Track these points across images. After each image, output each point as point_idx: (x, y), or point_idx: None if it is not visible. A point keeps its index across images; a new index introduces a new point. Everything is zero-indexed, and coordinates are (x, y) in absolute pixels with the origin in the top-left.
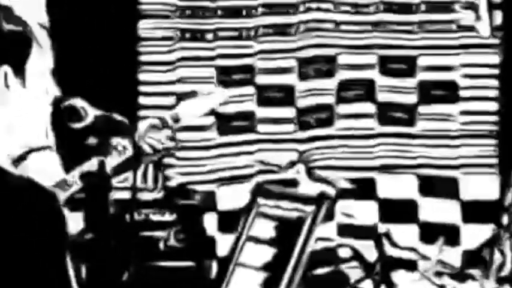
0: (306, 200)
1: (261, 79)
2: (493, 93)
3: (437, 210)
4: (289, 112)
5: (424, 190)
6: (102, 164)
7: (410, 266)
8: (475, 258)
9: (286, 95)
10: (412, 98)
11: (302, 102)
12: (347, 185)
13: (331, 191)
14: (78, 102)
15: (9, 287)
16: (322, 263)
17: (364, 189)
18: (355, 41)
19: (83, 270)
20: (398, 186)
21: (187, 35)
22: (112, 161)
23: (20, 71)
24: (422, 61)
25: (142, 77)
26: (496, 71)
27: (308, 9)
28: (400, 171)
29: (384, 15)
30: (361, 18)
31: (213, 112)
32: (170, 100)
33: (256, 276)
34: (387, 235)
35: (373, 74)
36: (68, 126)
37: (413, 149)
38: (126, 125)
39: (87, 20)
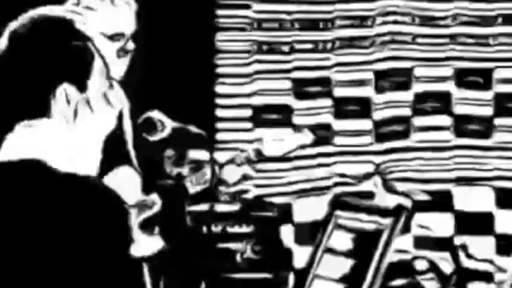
0: (383, 212)
1: (338, 91)
2: None
3: None
4: (365, 124)
5: (500, 202)
6: (179, 177)
7: (486, 278)
8: None
9: (362, 108)
10: (488, 110)
11: (379, 115)
12: (423, 197)
13: (407, 203)
14: (156, 115)
15: None
16: (399, 275)
17: (440, 202)
18: (431, 53)
19: (161, 283)
20: (474, 199)
21: (264, 48)
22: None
23: (82, 86)
24: (498, 73)
25: (219, 89)
26: None
27: (384, 22)
28: (476, 184)
29: (460, 28)
30: (438, 31)
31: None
32: (247, 112)
33: None
34: (463, 247)
35: (449, 87)
36: (145, 138)
37: (490, 161)
38: (203, 138)
39: (164, 32)
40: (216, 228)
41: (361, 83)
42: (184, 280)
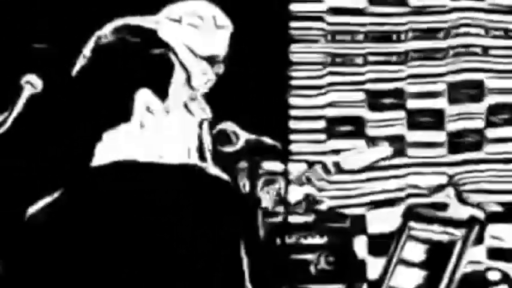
0: (456, 223)
1: (411, 103)
2: None
3: None
4: (439, 136)
5: None
6: (253, 187)
7: None
8: None
9: (436, 119)
10: None
11: (452, 126)
12: (496, 209)
13: (480, 215)
14: (230, 126)
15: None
16: (472, 286)
17: None
18: (503, 65)
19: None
20: None
21: (338, 60)
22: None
23: (162, 93)
24: None
25: (293, 101)
26: None
27: (457, 35)
28: None
29: None
30: (510, 43)
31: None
32: (321, 124)
33: None
34: None
35: None
36: (219, 150)
37: None
38: (277, 149)
39: (239, 45)
40: (290, 240)
41: (434, 94)
42: None
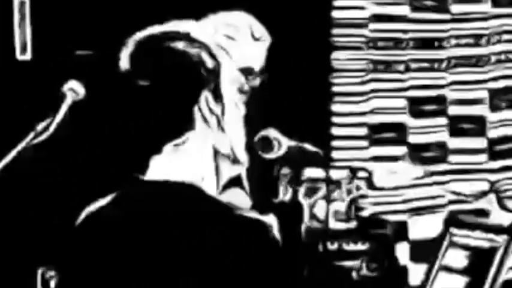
0: (497, 230)
1: (453, 110)
2: None
3: None
4: (480, 142)
5: None
6: (295, 194)
7: None
8: None
9: (477, 126)
10: None
11: (493, 133)
12: None
13: None
14: (272, 133)
15: None
16: None
17: None
18: None
19: None
20: None
21: (380, 67)
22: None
23: (218, 96)
24: None
25: (335, 108)
26: None
27: (499, 41)
28: None
29: None
30: None
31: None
32: (363, 131)
33: None
34: None
35: None
36: (261, 156)
37: None
38: (319, 156)
39: (280, 51)
40: (332, 246)
41: (476, 101)
42: None
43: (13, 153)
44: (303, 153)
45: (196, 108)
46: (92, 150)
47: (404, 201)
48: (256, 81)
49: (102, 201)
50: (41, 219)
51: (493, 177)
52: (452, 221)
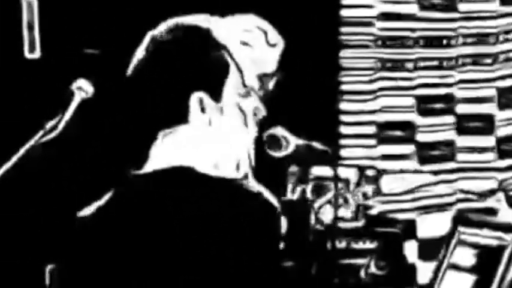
0: (506, 228)
1: (461, 108)
2: None
3: None
4: (488, 141)
5: None
6: (303, 192)
7: None
8: None
9: (485, 124)
10: None
11: (502, 131)
12: None
13: None
14: (280, 131)
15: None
16: None
17: None
18: None
19: None
20: None
21: (388, 65)
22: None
23: (217, 95)
24: None
25: (343, 106)
26: None
27: (507, 40)
28: None
29: None
30: None
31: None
32: (371, 129)
33: None
34: None
35: None
36: (269, 154)
37: None
38: (327, 155)
39: (289, 50)
40: (340, 244)
41: (484, 99)
42: None
43: (22, 151)
44: (311, 152)
45: (189, 105)
46: (92, 146)
47: (412, 200)
48: (270, 85)
49: (104, 197)
50: (46, 216)
51: (501, 175)
52: (461, 219)
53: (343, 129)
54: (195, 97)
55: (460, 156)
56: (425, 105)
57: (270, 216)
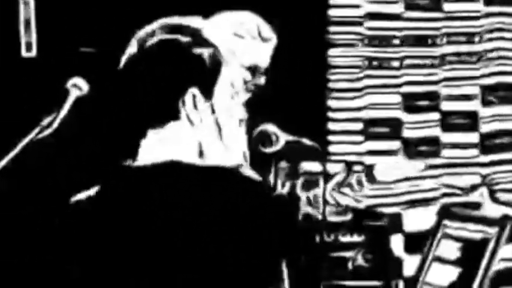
0: (489, 222)
1: (446, 105)
2: None
3: None
4: (472, 137)
5: None
6: (293, 187)
7: None
8: None
9: (469, 121)
10: None
11: (485, 128)
12: None
13: None
14: (270, 128)
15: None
16: (505, 282)
17: None
18: None
19: None
20: None
21: (374, 63)
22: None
23: (208, 93)
24: None
25: (331, 103)
26: None
27: (491, 39)
28: None
29: None
30: None
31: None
32: (358, 125)
33: None
34: None
35: None
36: (259, 150)
37: None
38: (316, 150)
39: (279, 49)
40: (329, 238)
41: (468, 97)
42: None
43: (19, 147)
44: (301, 148)
45: (180, 102)
46: (84, 141)
47: (399, 195)
48: (262, 80)
49: (93, 189)
50: (42, 211)
51: (484, 170)
52: (446, 213)
53: (331, 126)
54: (189, 93)
55: (445, 152)
56: (411, 103)
57: (268, 202)
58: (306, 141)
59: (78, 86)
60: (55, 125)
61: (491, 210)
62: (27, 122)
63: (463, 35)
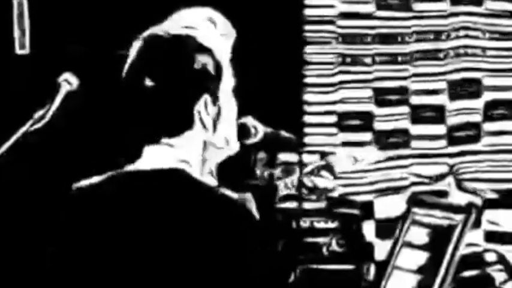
0: (455, 209)
1: (415, 99)
2: None
3: None
4: (440, 129)
5: None
6: (271, 176)
7: None
8: None
9: (437, 114)
10: None
11: (452, 120)
12: (492, 196)
13: (478, 201)
14: (250, 121)
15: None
16: (470, 266)
17: (508, 199)
18: (499, 65)
19: None
20: None
21: (348, 60)
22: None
23: (215, 98)
24: None
25: (307, 97)
26: None
27: (457, 37)
28: None
29: None
30: (506, 45)
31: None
32: (332, 118)
33: (411, 279)
34: None
35: None
36: (239, 142)
37: None
38: (293, 142)
39: (258, 47)
40: (305, 224)
41: (435, 92)
42: (275, 271)
43: (12, 139)
44: (278, 139)
45: (195, 110)
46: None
47: (370, 183)
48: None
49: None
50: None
51: (451, 161)
52: (414, 201)
53: (307, 119)
54: (203, 99)
55: (414, 143)
56: (382, 97)
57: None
58: (284, 133)
59: (68, 81)
60: (47, 118)
61: (458, 198)
62: (20, 116)
63: (431, 33)
